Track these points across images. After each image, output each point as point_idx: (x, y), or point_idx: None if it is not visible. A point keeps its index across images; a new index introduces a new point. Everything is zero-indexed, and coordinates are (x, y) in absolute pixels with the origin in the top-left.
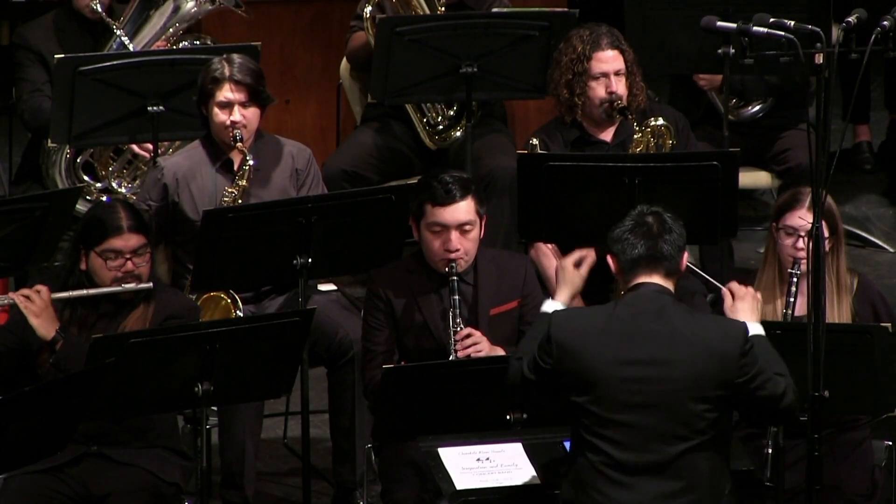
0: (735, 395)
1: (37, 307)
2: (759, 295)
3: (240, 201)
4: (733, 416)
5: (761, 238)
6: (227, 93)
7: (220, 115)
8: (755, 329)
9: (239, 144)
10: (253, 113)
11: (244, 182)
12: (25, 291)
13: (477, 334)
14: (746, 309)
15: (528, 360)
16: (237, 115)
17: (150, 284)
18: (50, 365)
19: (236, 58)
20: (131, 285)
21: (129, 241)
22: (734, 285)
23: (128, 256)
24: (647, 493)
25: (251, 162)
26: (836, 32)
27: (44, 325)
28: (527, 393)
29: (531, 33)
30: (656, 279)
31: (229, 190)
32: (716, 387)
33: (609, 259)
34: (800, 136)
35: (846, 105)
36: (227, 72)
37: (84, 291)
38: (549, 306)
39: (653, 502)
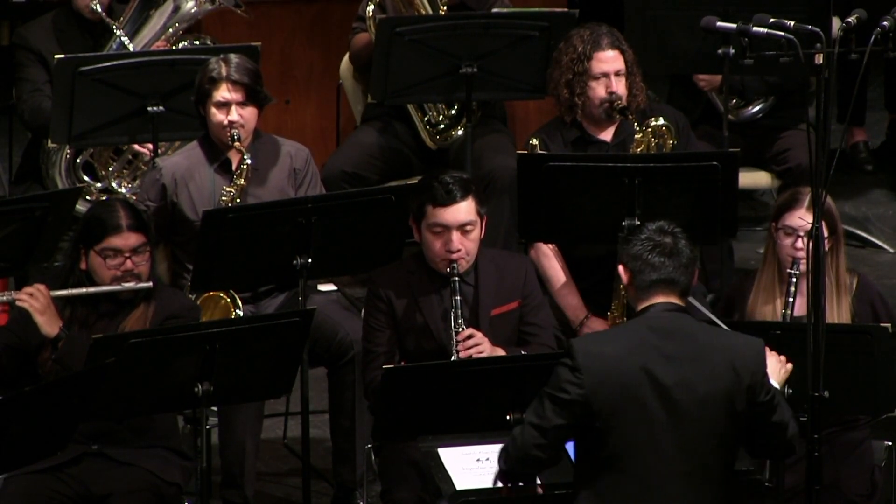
0: (754, 416)
1: (40, 304)
2: (788, 365)
3: (238, 201)
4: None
5: (761, 238)
6: (224, 93)
7: (218, 115)
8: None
9: (237, 144)
10: (250, 112)
11: (242, 181)
12: (28, 289)
13: (479, 335)
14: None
15: (534, 411)
16: (234, 114)
17: (150, 284)
18: (52, 362)
19: (233, 58)
20: (131, 284)
21: (129, 239)
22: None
23: (127, 255)
24: None
25: (248, 161)
26: (836, 24)
27: (48, 323)
28: (544, 454)
29: (531, 33)
30: (672, 299)
31: (227, 189)
32: (744, 402)
33: (622, 271)
34: (800, 136)
35: (842, 106)
36: (224, 72)
37: (84, 290)
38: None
39: None
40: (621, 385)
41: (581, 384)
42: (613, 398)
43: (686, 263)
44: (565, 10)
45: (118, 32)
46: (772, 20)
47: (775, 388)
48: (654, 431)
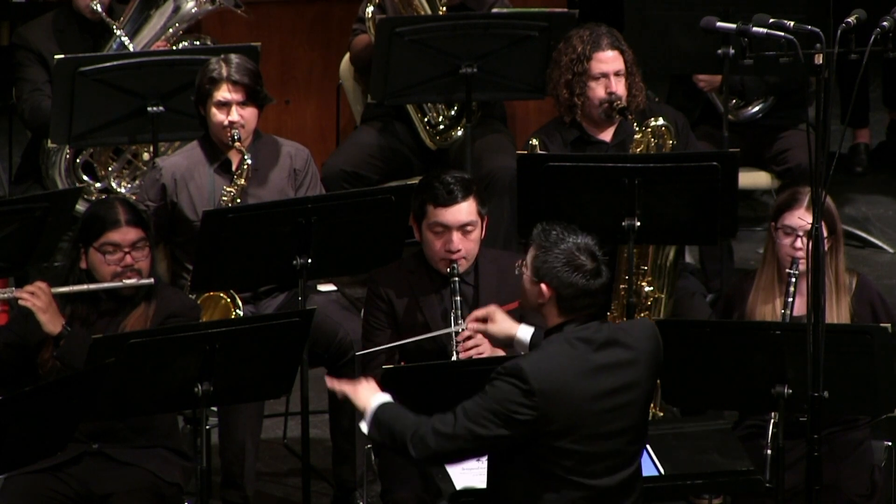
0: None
1: (42, 303)
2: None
3: (238, 201)
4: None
5: (761, 238)
6: (224, 93)
7: (218, 115)
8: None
9: (237, 144)
10: (250, 113)
11: (242, 181)
12: (30, 288)
13: (478, 335)
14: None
15: (472, 419)
16: (235, 114)
17: (152, 280)
18: (54, 359)
19: (234, 58)
20: (133, 281)
21: (127, 234)
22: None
23: (126, 250)
24: None
25: (248, 161)
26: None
27: (51, 321)
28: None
29: (531, 33)
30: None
31: (227, 189)
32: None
33: (545, 289)
34: (799, 136)
35: (844, 107)
36: (224, 72)
37: (85, 286)
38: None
39: None
40: (572, 402)
41: (535, 406)
42: (567, 416)
43: (608, 282)
44: (565, 10)
45: (118, 32)
46: (772, 20)
47: None
48: (603, 440)
